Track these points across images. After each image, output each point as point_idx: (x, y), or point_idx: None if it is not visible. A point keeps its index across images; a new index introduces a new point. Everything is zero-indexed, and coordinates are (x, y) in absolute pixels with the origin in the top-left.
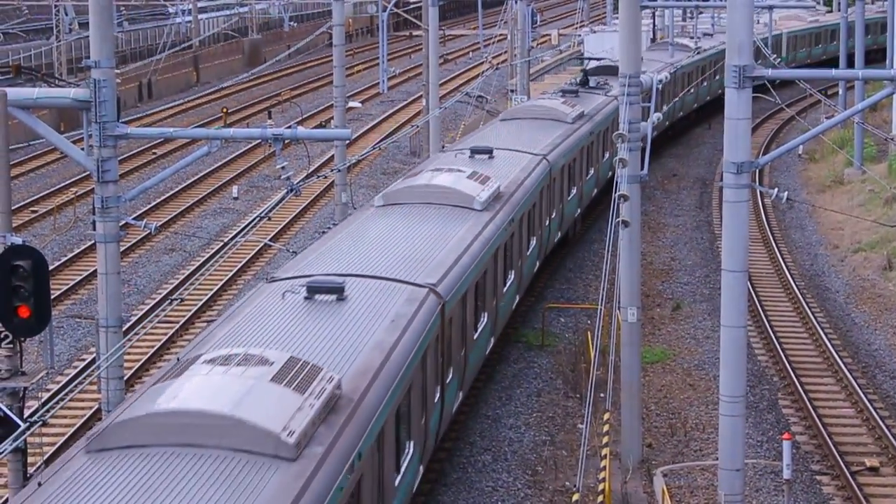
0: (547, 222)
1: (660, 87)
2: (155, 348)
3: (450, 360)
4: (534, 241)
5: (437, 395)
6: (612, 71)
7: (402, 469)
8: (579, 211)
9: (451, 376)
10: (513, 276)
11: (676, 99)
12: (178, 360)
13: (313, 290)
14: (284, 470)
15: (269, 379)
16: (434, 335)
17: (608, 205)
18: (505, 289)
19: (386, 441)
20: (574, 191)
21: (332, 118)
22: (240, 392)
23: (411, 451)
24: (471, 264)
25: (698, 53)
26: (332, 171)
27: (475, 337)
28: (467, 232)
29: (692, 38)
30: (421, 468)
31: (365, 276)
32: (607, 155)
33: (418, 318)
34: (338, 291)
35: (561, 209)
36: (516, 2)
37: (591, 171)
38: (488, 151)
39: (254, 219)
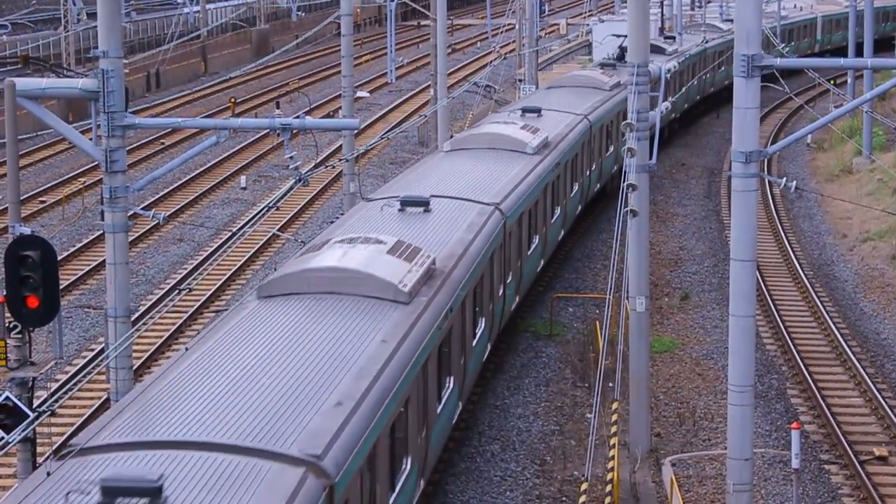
0: (588, 172)
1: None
2: (163, 338)
3: (509, 267)
4: (576, 187)
5: (501, 290)
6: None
7: (476, 338)
8: (616, 167)
9: (510, 279)
10: (559, 212)
11: (707, 76)
12: (303, 243)
13: (405, 204)
14: (401, 310)
15: (386, 251)
16: (498, 243)
17: (617, 194)
18: (553, 220)
19: (466, 308)
20: (611, 148)
21: (340, 108)
22: (366, 257)
23: (483, 327)
24: (526, 191)
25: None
26: (340, 160)
27: (529, 253)
28: (522, 169)
29: (724, 20)
30: (489, 346)
31: (444, 196)
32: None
33: (487, 227)
34: (425, 204)
35: (600, 163)
36: None
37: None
38: (537, 111)
39: (262, 209)
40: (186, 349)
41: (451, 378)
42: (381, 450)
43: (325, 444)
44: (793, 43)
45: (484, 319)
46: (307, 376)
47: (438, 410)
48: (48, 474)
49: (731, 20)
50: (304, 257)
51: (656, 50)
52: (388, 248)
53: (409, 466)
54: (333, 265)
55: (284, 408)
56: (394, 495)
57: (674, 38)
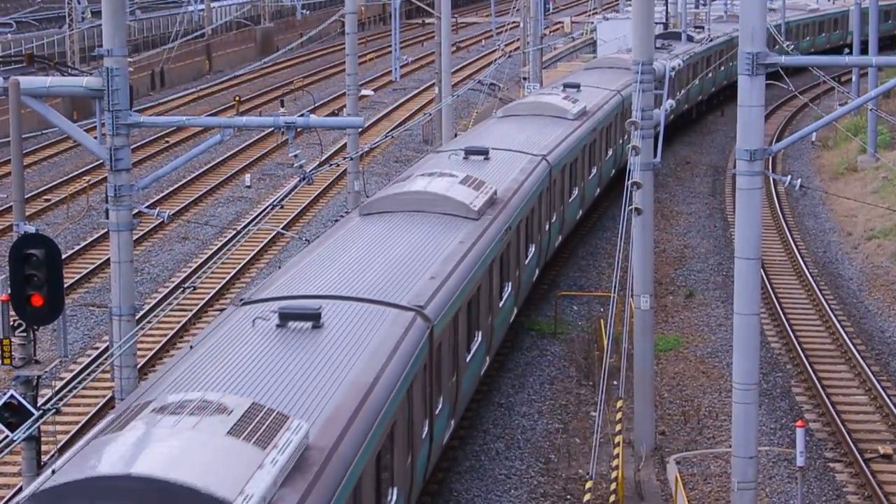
0: (547, 226)
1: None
2: (168, 336)
3: (553, 208)
4: (532, 249)
5: (547, 227)
6: (675, 36)
7: (528, 257)
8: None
9: (554, 219)
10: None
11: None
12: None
13: (468, 153)
14: (472, 223)
15: (458, 182)
16: (545, 186)
17: (621, 192)
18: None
19: (520, 231)
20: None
21: (344, 106)
22: (447, 186)
23: (533, 251)
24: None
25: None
26: (344, 159)
27: (570, 200)
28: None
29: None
30: (537, 271)
31: (499, 149)
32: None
33: (535, 172)
34: (484, 153)
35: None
36: None
37: None
38: (576, 86)
39: (266, 207)
40: (308, 241)
41: (510, 283)
42: (461, 318)
43: (426, 299)
44: (823, 35)
45: (534, 246)
46: (407, 262)
47: (501, 304)
48: (53, 472)
49: (773, 9)
50: (394, 185)
51: (674, 36)
52: (460, 180)
53: (479, 339)
54: (418, 189)
55: (397, 279)
56: (473, 349)
57: (703, 27)
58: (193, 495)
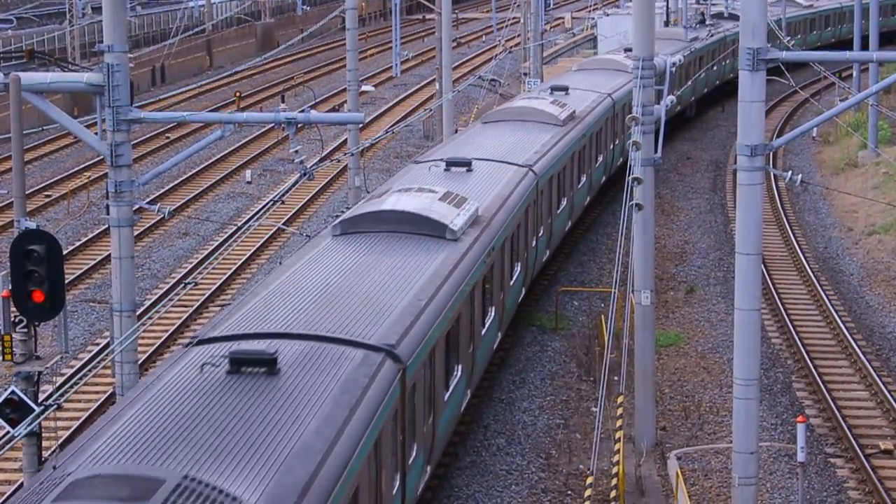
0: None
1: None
2: (169, 332)
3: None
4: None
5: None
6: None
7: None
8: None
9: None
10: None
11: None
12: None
13: (450, 164)
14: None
15: (437, 199)
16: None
17: (622, 188)
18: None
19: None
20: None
21: (345, 102)
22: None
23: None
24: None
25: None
26: (345, 154)
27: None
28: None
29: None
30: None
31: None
32: (714, 63)
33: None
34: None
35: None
36: None
37: (703, 73)
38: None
39: (267, 203)
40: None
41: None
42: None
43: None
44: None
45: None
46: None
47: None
48: (54, 468)
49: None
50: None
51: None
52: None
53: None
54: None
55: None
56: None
57: (726, 15)
58: (423, 218)
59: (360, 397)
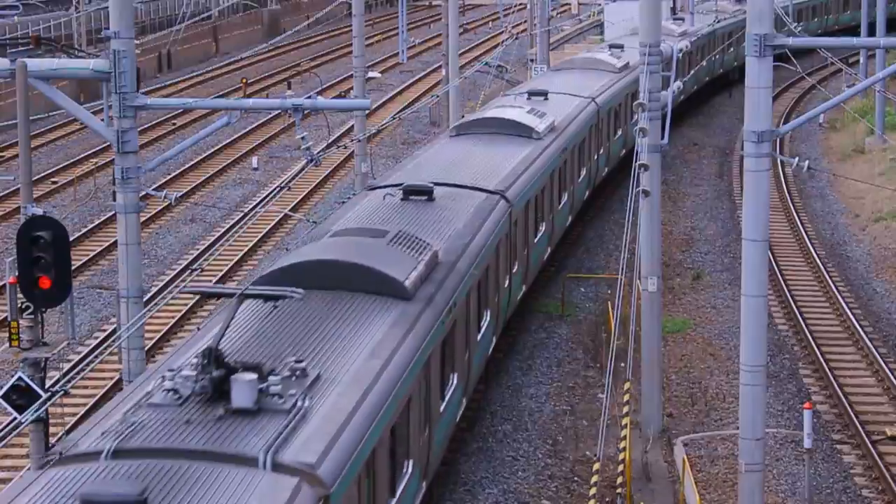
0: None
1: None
2: (175, 318)
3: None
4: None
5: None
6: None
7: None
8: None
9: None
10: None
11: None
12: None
13: (408, 192)
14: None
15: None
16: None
17: (629, 174)
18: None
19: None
20: (542, 230)
21: (351, 88)
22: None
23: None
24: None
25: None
26: (351, 141)
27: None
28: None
29: None
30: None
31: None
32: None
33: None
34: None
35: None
36: None
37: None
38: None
39: (274, 189)
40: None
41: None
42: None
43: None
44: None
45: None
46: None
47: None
48: (60, 455)
49: None
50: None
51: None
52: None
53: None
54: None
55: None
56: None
57: None
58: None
59: (486, 218)
